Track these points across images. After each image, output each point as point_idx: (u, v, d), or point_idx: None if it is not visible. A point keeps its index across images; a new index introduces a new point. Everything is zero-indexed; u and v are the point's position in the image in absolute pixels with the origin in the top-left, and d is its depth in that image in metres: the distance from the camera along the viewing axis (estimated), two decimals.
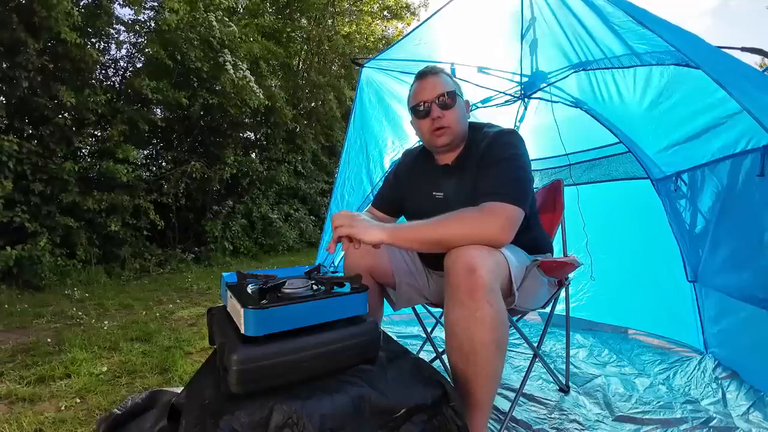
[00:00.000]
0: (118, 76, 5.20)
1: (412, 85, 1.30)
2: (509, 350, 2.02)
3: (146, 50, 4.90)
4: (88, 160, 4.53)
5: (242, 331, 0.79)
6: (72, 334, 2.31)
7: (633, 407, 1.46)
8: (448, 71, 2.00)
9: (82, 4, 4.18)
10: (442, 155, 1.30)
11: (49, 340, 2.21)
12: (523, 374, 1.38)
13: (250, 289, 0.92)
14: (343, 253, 1.26)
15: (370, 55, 2.24)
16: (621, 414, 1.42)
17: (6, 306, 2.93)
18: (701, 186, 1.72)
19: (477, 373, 0.94)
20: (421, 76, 1.27)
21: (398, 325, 2.42)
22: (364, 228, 1.03)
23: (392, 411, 0.79)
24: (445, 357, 1.13)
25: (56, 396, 1.54)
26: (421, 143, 1.40)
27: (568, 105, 2.07)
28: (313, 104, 8.28)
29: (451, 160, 1.27)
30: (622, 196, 2.28)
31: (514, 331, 1.29)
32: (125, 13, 4.74)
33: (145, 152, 5.85)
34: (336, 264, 2.33)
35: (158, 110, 5.52)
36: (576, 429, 1.33)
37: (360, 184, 2.39)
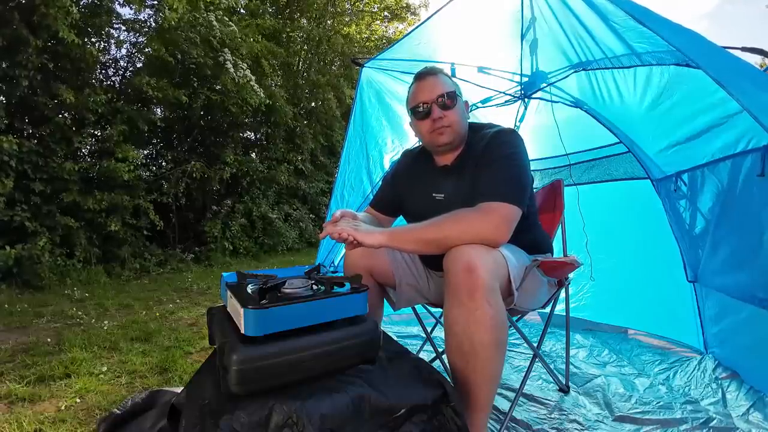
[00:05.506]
0: (118, 75, 5.21)
1: (410, 86, 1.29)
2: (509, 350, 2.01)
3: (146, 50, 4.90)
4: (88, 159, 4.54)
5: (242, 331, 0.79)
6: (72, 334, 2.31)
7: (633, 407, 1.46)
8: (448, 71, 2.01)
9: (82, 3, 4.18)
10: (441, 156, 1.29)
11: (49, 340, 2.21)
12: (523, 374, 1.38)
13: (250, 289, 0.92)
14: (343, 252, 1.27)
15: (370, 55, 2.24)
16: (621, 414, 1.41)
17: (6, 306, 2.93)
18: (701, 186, 1.72)
19: (477, 373, 0.95)
20: (420, 76, 1.26)
21: (398, 325, 2.42)
22: (364, 232, 1.05)
23: (392, 411, 0.79)
24: (445, 357, 1.13)
25: (56, 396, 1.54)
26: (420, 144, 1.39)
27: (568, 105, 2.07)
28: (313, 104, 8.28)
29: (451, 160, 1.27)
30: (622, 196, 2.28)
31: (514, 331, 1.29)
32: (125, 12, 4.75)
33: (145, 152, 5.86)
34: (336, 264, 2.34)
35: (158, 110, 5.52)
36: (576, 429, 1.33)
37: (360, 184, 2.39)
